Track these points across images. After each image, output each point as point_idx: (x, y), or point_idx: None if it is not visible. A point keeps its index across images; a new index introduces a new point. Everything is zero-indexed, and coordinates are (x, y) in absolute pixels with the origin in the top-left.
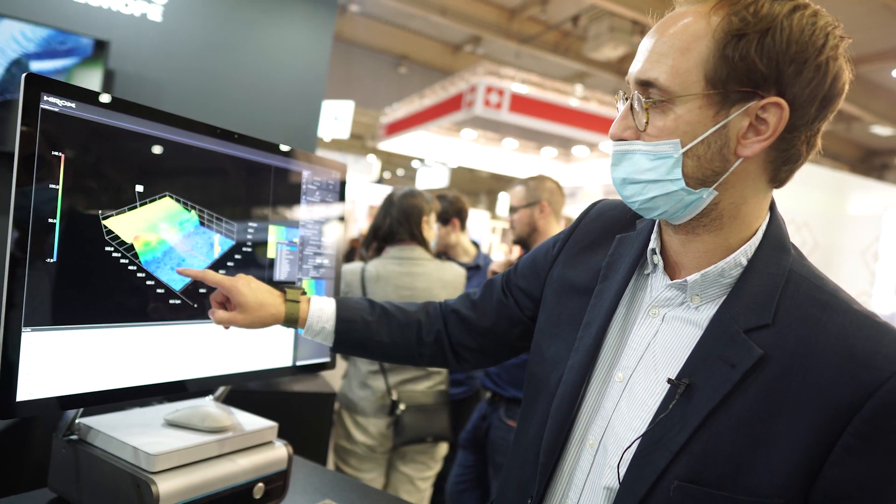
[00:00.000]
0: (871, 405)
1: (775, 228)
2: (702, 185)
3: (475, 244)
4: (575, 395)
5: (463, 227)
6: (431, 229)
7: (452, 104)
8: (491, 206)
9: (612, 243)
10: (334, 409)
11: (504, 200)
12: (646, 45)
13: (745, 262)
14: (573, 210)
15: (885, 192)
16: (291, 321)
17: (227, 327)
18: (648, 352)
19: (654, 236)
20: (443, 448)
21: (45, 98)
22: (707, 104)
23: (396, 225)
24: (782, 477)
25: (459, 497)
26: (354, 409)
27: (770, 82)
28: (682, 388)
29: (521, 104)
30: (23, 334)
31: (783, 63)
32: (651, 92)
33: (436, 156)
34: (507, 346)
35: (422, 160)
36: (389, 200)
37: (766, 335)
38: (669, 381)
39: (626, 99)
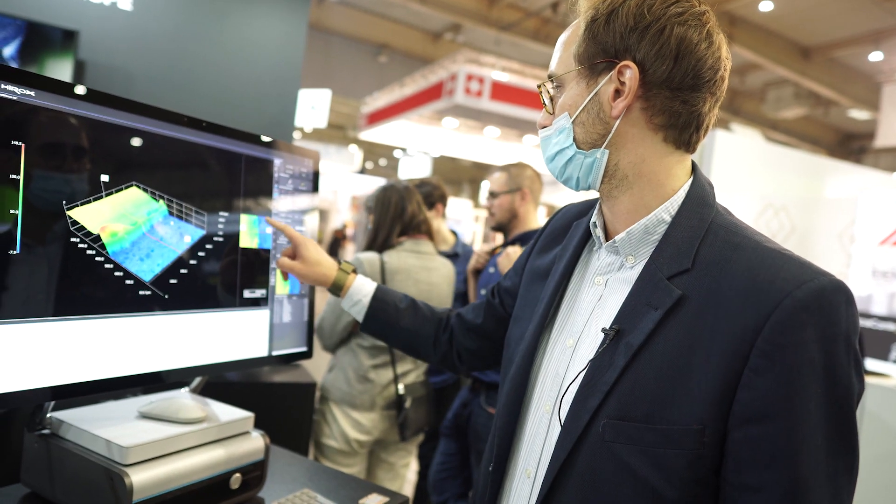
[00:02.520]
0: (770, 324)
1: (698, 188)
2: (593, 146)
3: (454, 233)
4: (528, 363)
5: (444, 213)
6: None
7: (433, 93)
8: (474, 195)
9: (570, 231)
10: (316, 404)
11: (486, 189)
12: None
13: (668, 219)
14: (556, 198)
15: (860, 175)
16: (336, 287)
17: (285, 277)
18: (593, 316)
19: (594, 212)
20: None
21: (3, 86)
22: (580, 78)
23: (418, 215)
24: (700, 405)
25: (442, 485)
26: (349, 403)
27: (622, 51)
28: (613, 334)
29: (502, 92)
30: None
31: (626, 33)
32: (552, 82)
33: (418, 145)
34: (498, 347)
35: (404, 150)
36: (408, 189)
37: (685, 279)
38: (603, 330)
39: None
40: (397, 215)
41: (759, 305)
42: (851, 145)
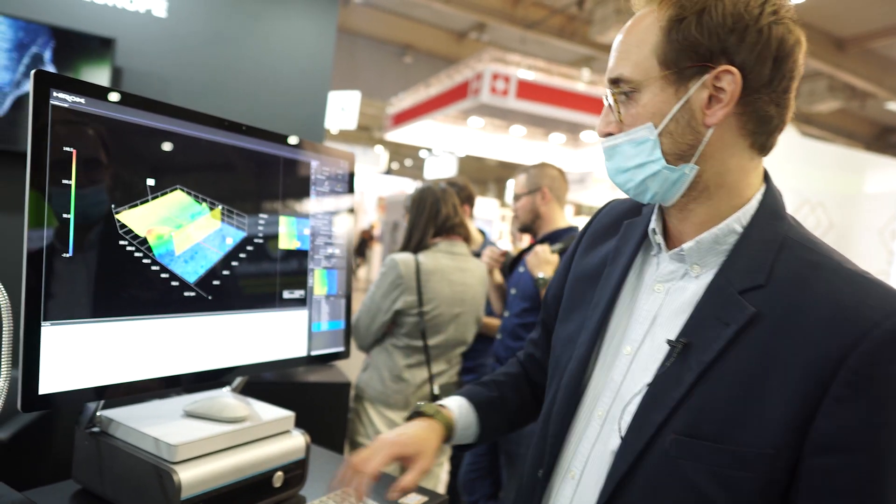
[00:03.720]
0: (857, 355)
1: (770, 198)
2: (681, 160)
3: (482, 232)
4: (582, 369)
5: (471, 213)
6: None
7: (458, 92)
8: (500, 195)
9: (620, 230)
10: (351, 402)
11: (512, 188)
12: (613, 47)
13: (739, 230)
14: (583, 196)
15: None
16: (449, 431)
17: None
18: (655, 324)
19: (654, 217)
20: None
21: (55, 94)
22: (666, 84)
23: (453, 217)
24: (775, 429)
25: (472, 485)
26: (383, 402)
27: (717, 54)
28: (680, 347)
29: (528, 90)
30: (42, 329)
31: (723, 35)
32: (621, 86)
33: (443, 145)
34: None
35: (429, 150)
36: (437, 193)
37: (759, 295)
38: (668, 342)
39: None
40: (431, 217)
41: (844, 334)
42: (890, 138)
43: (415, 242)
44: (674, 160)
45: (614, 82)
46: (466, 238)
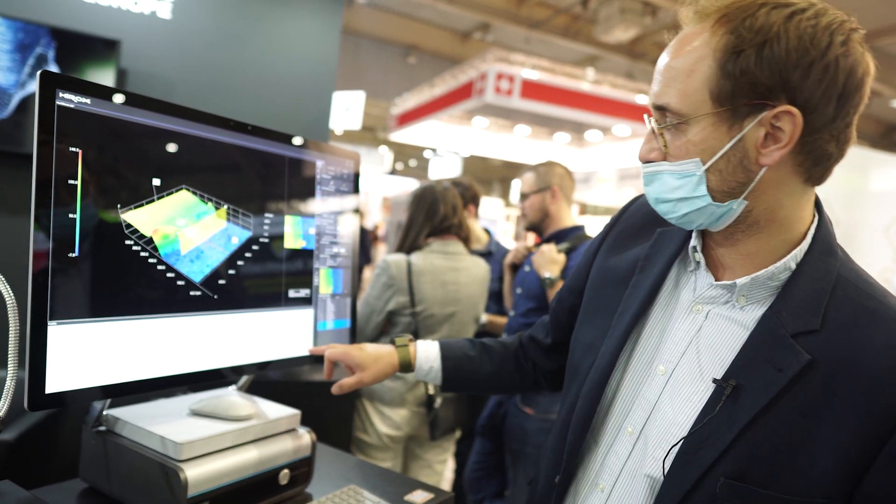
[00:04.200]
0: None
1: (824, 233)
2: (729, 196)
3: (487, 231)
4: (604, 380)
5: (476, 213)
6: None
7: (463, 92)
8: (504, 194)
9: (652, 236)
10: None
11: (517, 188)
12: (659, 67)
13: (793, 266)
14: (588, 196)
15: None
16: (405, 365)
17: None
18: (692, 348)
19: (695, 234)
20: (456, 431)
21: (61, 95)
22: (718, 121)
23: (451, 217)
24: (826, 479)
25: (477, 484)
26: (379, 399)
27: (777, 91)
28: (729, 390)
29: (533, 90)
30: (49, 328)
31: (786, 71)
32: (667, 115)
33: (448, 145)
34: None
35: (434, 150)
36: (444, 191)
37: (813, 340)
38: (715, 381)
39: (651, 120)
40: (428, 217)
41: None
42: (895, 137)
43: (409, 242)
44: (721, 197)
45: (659, 109)
46: (465, 238)
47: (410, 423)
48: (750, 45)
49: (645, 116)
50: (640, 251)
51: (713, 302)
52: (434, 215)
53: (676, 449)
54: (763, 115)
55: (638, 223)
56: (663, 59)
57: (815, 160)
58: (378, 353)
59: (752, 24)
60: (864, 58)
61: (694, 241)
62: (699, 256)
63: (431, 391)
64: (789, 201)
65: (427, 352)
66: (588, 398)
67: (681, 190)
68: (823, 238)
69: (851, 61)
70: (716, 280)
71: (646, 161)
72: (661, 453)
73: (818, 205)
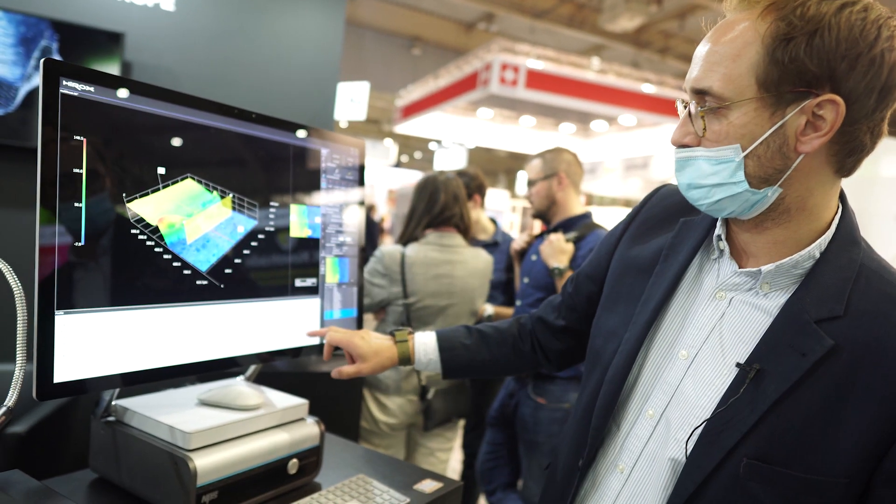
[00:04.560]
0: None
1: (847, 222)
2: (765, 183)
3: (493, 221)
4: (629, 365)
5: (482, 203)
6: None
7: (468, 83)
8: (510, 185)
9: (675, 226)
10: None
11: (523, 178)
12: (699, 53)
13: (817, 255)
14: (594, 186)
15: None
16: (405, 359)
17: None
18: (714, 333)
19: (719, 223)
20: (460, 420)
21: (65, 83)
22: (762, 107)
23: (451, 208)
24: (848, 460)
25: (490, 475)
26: (377, 388)
27: (823, 80)
28: (753, 374)
29: (538, 80)
30: (56, 317)
31: (834, 61)
32: (707, 99)
33: (453, 137)
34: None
35: (439, 142)
36: (447, 182)
37: (836, 326)
38: (739, 365)
39: (685, 106)
40: (427, 208)
41: None
42: None
43: (408, 234)
44: (757, 183)
45: (699, 93)
46: (465, 230)
47: (406, 412)
48: (801, 33)
49: (678, 103)
50: (663, 241)
51: (737, 289)
52: (434, 205)
53: (699, 431)
54: (806, 102)
55: (661, 213)
56: (705, 45)
57: (850, 151)
58: (379, 347)
59: (803, 13)
60: None
61: (719, 230)
62: (724, 245)
63: (424, 381)
64: (819, 190)
65: (425, 344)
66: (612, 383)
67: (716, 176)
68: (847, 228)
69: (895, 56)
70: (739, 268)
71: (680, 146)
72: (684, 435)
73: (842, 196)
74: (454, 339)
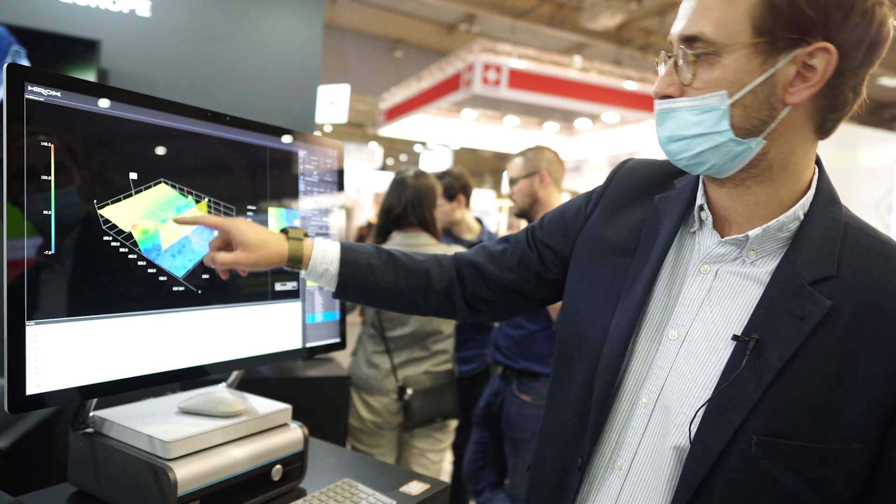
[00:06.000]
0: None
1: (825, 183)
2: (749, 135)
3: (479, 221)
4: (622, 352)
5: (467, 203)
6: (438, 209)
7: (450, 84)
8: (496, 186)
9: (647, 203)
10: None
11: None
12: (689, 2)
13: (801, 216)
14: (578, 184)
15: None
16: (295, 260)
17: (226, 275)
18: (704, 309)
19: (700, 193)
20: (453, 421)
21: (30, 88)
22: (754, 53)
23: (410, 208)
24: (861, 423)
25: (476, 474)
26: (362, 387)
27: (817, 28)
28: (752, 344)
29: (520, 79)
30: (27, 328)
31: (830, 8)
32: (697, 46)
33: (437, 138)
34: (529, 301)
35: (424, 144)
36: (402, 183)
37: (831, 287)
38: (735, 337)
39: (670, 58)
40: (384, 208)
41: None
42: (883, 114)
43: (377, 237)
44: (741, 134)
45: (688, 40)
46: (428, 227)
47: (390, 411)
48: None
49: (662, 54)
50: (637, 219)
51: (721, 260)
52: (396, 205)
53: (703, 412)
54: (799, 51)
55: (630, 189)
56: None
57: (833, 107)
58: (266, 239)
59: None
60: (890, 16)
61: (700, 200)
62: (706, 214)
63: (400, 381)
64: (801, 149)
65: (325, 251)
66: (607, 374)
67: (699, 126)
68: (826, 188)
69: (883, 13)
70: (722, 238)
71: (662, 96)
72: (685, 419)
73: (818, 161)
74: (360, 255)
